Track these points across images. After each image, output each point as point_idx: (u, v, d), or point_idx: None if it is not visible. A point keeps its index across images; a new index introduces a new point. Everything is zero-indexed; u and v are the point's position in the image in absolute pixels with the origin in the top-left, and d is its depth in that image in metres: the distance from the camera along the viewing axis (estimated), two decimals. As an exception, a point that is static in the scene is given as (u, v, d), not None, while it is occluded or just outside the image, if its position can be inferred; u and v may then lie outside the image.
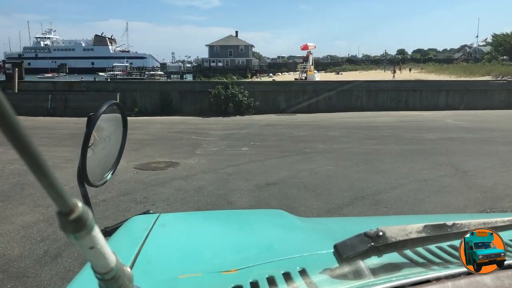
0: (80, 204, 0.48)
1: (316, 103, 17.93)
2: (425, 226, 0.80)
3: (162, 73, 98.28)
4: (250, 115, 17.24)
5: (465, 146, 10.07)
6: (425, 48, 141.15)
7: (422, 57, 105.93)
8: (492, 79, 38.53)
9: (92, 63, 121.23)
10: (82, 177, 1.17)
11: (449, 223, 0.81)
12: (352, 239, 0.81)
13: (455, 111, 17.79)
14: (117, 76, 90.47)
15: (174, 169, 8.08)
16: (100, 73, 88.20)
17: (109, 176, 1.35)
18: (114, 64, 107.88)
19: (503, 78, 39.20)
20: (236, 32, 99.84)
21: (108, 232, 1.40)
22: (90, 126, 1.15)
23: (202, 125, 14.60)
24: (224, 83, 17.36)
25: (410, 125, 13.83)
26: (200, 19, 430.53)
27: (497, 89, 18.87)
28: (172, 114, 16.71)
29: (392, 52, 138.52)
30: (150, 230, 1.28)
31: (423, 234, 0.80)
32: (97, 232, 0.51)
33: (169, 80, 55.25)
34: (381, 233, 0.79)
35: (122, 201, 6.14)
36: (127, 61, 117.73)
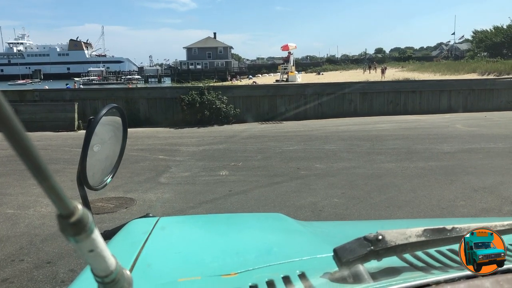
0: (80, 207, 0.48)
1: (304, 109, 15.83)
2: (425, 230, 0.78)
3: (139, 77, 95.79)
4: (230, 124, 15.08)
5: (493, 161, 8.20)
6: (402, 47, 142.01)
7: (402, 56, 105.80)
8: (479, 76, 37.42)
9: (68, 68, 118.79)
10: (82, 180, 1.18)
11: (449, 227, 0.79)
12: (352, 243, 0.79)
13: (460, 114, 15.90)
14: (93, 81, 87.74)
15: (127, 211, 5.94)
16: (76, 78, 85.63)
17: (109, 179, 1.37)
18: (89, 69, 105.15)
19: (489, 75, 38.13)
20: (215, 33, 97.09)
21: (107, 236, 1.35)
22: (90, 129, 1.17)
23: (173, 139, 12.40)
24: (199, 88, 15.12)
25: (416, 133, 11.87)
26: (177, 22, 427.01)
27: (504, 88, 16.92)
28: (140, 125, 14.40)
29: (370, 51, 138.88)
30: (150, 234, 1.26)
31: (423, 238, 0.78)
32: (96, 235, 0.51)
33: (135, 86, 52.32)
34: (380, 237, 0.77)
35: (35, 279, 4.01)
36: (104, 65, 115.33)
